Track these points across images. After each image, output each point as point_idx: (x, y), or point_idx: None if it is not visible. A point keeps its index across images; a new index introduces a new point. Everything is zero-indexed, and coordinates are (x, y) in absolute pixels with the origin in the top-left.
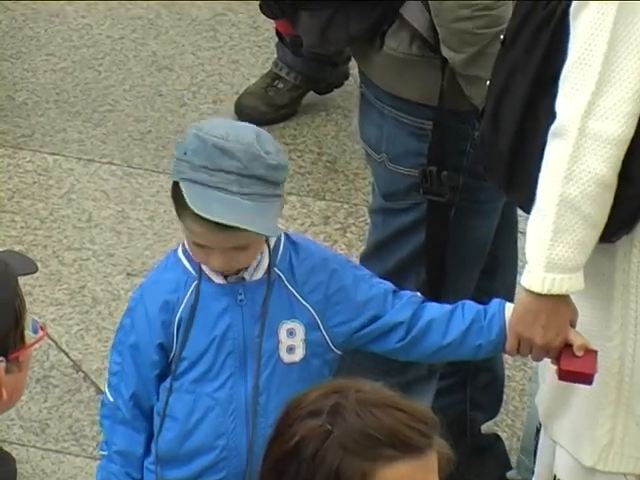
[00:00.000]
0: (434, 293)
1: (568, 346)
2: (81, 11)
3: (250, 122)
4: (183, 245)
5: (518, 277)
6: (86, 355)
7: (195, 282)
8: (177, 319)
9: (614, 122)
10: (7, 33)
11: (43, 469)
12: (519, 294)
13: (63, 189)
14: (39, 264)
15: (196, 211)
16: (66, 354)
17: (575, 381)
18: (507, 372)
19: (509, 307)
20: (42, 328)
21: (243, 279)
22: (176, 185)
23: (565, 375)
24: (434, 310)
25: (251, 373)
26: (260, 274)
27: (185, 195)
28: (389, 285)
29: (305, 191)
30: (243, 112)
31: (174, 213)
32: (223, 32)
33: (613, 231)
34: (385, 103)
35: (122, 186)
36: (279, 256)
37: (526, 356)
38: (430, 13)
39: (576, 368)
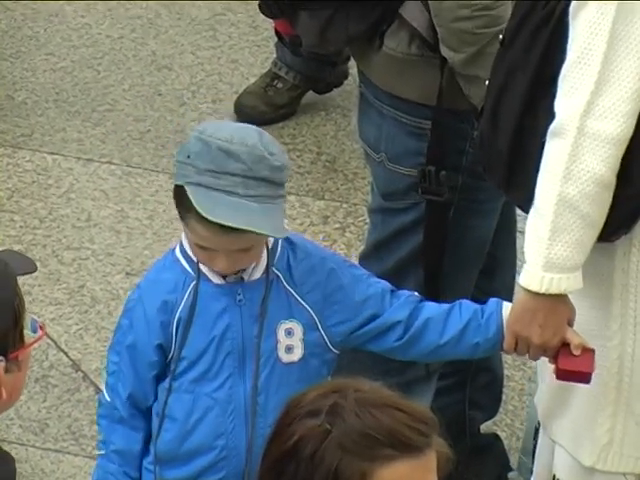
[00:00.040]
0: (433, 293)
1: (566, 345)
2: (80, 11)
3: (249, 122)
4: (181, 244)
5: (517, 277)
6: (85, 355)
7: (194, 282)
8: (176, 319)
9: (613, 122)
10: (6, 33)
11: (42, 468)
12: (517, 293)
13: (62, 188)
14: (38, 263)
15: (204, 215)
16: (65, 354)
17: (573, 380)
18: (506, 372)
19: (507, 306)
20: (41, 327)
21: (242, 279)
22: (178, 188)
23: (563, 374)
24: (431, 309)
25: (250, 373)
26: (258, 274)
27: (192, 199)
28: (387, 284)
29: (304, 191)
30: (242, 112)
31: (173, 212)
32: (222, 32)
33: (612, 231)
34: (384, 103)
35: (121, 185)
36: (277, 256)
37: (523, 355)
38: (429, 13)
39: (574, 367)
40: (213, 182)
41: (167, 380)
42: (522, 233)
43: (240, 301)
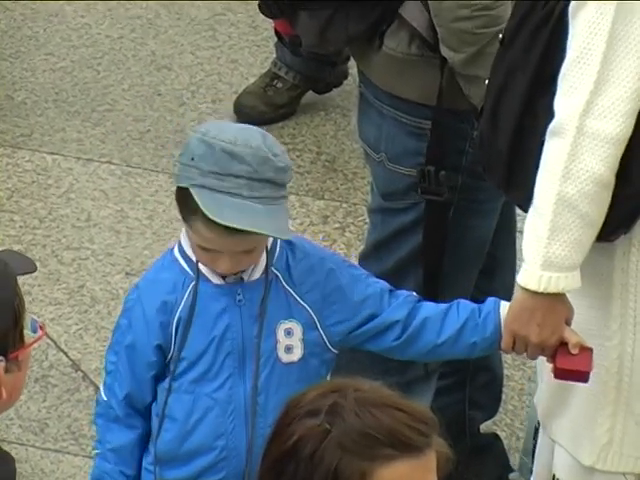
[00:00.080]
0: (432, 293)
1: (563, 344)
2: (80, 11)
3: (249, 122)
4: (179, 244)
5: (517, 277)
6: (85, 354)
7: (193, 282)
8: (175, 320)
9: (612, 121)
10: (6, 33)
11: (42, 468)
12: (516, 292)
13: (62, 188)
14: (38, 263)
15: (212, 217)
16: (65, 354)
17: (571, 379)
18: (506, 371)
19: (504, 305)
20: (41, 327)
21: (241, 279)
22: (182, 190)
23: (561, 373)
24: (429, 309)
25: (250, 373)
26: (258, 274)
27: (199, 201)
28: (385, 284)
29: (304, 190)
30: (242, 112)
31: (173, 212)
32: (222, 32)
33: (611, 230)
34: (384, 103)
35: (121, 185)
36: (276, 256)
37: (521, 354)
38: (429, 13)
39: (572, 366)
40: (217, 184)
41: (167, 380)
42: (522, 233)
43: (240, 301)
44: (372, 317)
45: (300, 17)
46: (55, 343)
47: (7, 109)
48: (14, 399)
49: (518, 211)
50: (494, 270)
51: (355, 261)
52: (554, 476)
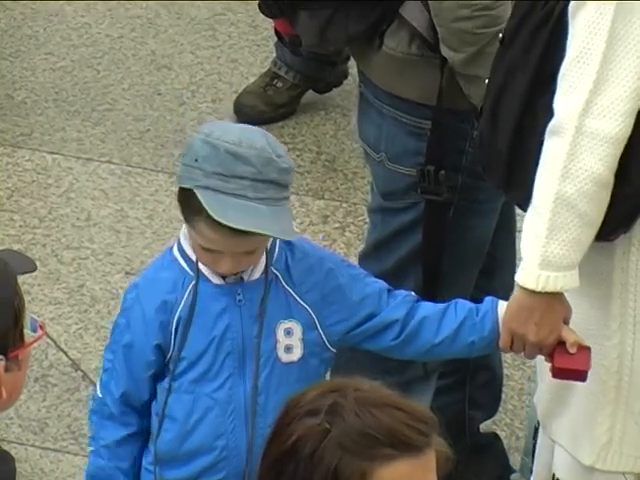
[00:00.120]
0: (432, 293)
1: (561, 343)
2: (80, 10)
3: (249, 121)
4: (178, 244)
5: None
6: (85, 354)
7: (193, 282)
8: (175, 319)
9: (611, 121)
10: (6, 32)
11: (42, 468)
12: (514, 291)
13: (62, 188)
14: (38, 263)
15: (217, 218)
16: (65, 353)
17: (569, 378)
18: (506, 371)
19: (502, 304)
20: (41, 327)
21: (242, 279)
22: (184, 191)
23: (559, 372)
24: (427, 309)
25: (250, 373)
26: (257, 274)
27: (203, 203)
28: (383, 284)
29: (304, 190)
30: (242, 111)
31: (173, 212)
32: (222, 31)
33: (611, 230)
34: (384, 102)
35: (121, 185)
36: (275, 256)
37: (519, 353)
38: (429, 13)
39: (570, 365)
40: (221, 185)
41: (167, 380)
42: (522, 233)
43: (240, 301)
44: (371, 316)
45: (300, 17)
46: (55, 342)
47: (7, 108)
48: (14, 398)
49: (518, 211)
50: (494, 270)
51: (355, 261)
52: (554, 476)
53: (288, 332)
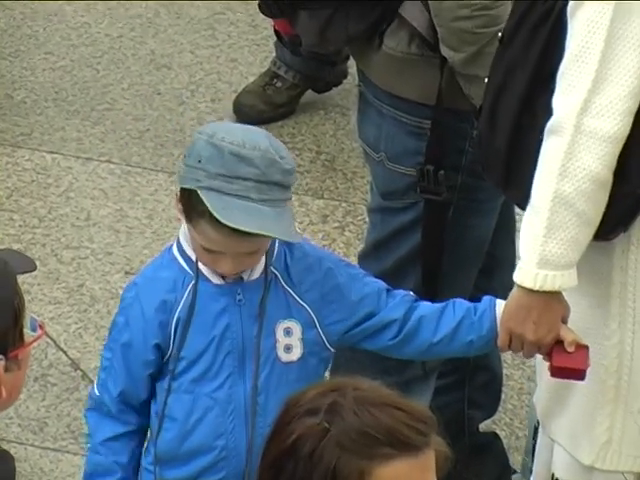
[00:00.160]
0: (432, 292)
1: (560, 342)
2: (80, 10)
3: (248, 121)
4: (178, 243)
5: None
6: (84, 353)
7: (192, 282)
8: (175, 319)
9: (610, 120)
10: (6, 32)
11: (41, 467)
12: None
13: (61, 187)
14: (38, 262)
15: (221, 220)
16: (64, 352)
17: (567, 377)
18: (505, 371)
19: (500, 303)
20: (41, 326)
21: (241, 279)
22: (187, 191)
23: (557, 371)
24: (426, 308)
25: (250, 373)
26: (257, 274)
27: (207, 204)
28: (382, 283)
29: (303, 190)
30: (241, 111)
31: (172, 212)
32: (222, 31)
33: (610, 229)
34: (384, 102)
35: (120, 185)
36: (274, 256)
37: (517, 352)
38: (429, 12)
39: (568, 364)
40: (225, 186)
41: (166, 380)
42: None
43: (240, 301)
44: (369, 316)
45: (300, 17)
46: (54, 342)
47: (7, 108)
48: (14, 398)
49: (517, 210)
50: (493, 269)
51: (354, 260)
52: (553, 475)
53: (288, 332)
